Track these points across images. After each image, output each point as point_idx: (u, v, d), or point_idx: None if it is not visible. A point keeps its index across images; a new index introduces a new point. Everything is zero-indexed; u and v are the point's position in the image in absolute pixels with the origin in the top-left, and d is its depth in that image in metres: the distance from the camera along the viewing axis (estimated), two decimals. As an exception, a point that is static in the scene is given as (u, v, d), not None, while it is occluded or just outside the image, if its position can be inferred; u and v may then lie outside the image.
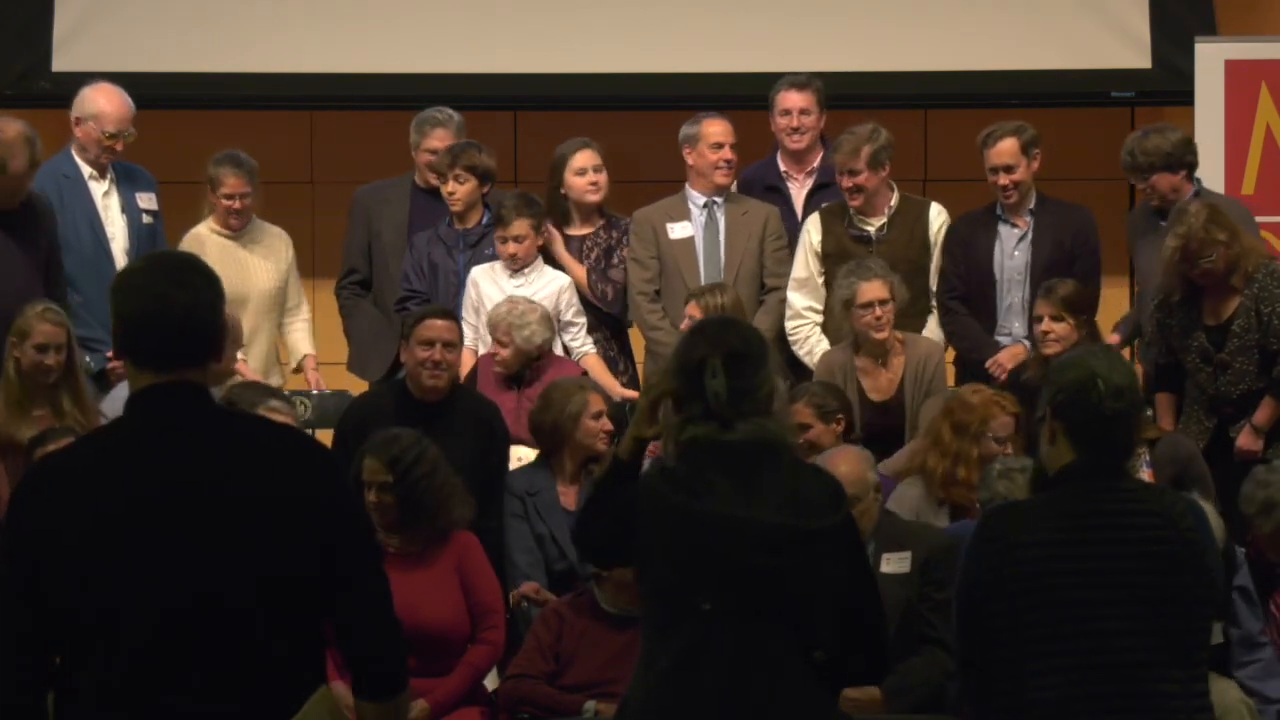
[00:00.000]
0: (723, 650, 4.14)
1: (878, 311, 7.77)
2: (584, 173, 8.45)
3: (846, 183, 8.22)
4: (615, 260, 8.47)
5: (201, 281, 3.66)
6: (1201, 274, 7.50)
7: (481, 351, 8.21)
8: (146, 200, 8.25)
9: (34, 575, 3.53)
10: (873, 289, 7.77)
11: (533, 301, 8.01)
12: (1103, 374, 4.29)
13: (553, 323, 8.05)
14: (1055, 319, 7.66)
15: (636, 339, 8.62)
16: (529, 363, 7.94)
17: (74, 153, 8.16)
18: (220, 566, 3.52)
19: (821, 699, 4.23)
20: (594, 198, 8.46)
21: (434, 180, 8.56)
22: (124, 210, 8.16)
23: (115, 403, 7.35)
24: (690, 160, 8.47)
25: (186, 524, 3.52)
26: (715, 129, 8.44)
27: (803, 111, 8.51)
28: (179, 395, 3.61)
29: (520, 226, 8.22)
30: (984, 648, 4.24)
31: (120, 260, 8.05)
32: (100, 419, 7.17)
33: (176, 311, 3.60)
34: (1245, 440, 7.46)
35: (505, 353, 7.90)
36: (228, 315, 3.90)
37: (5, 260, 7.68)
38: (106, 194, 8.16)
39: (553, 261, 8.39)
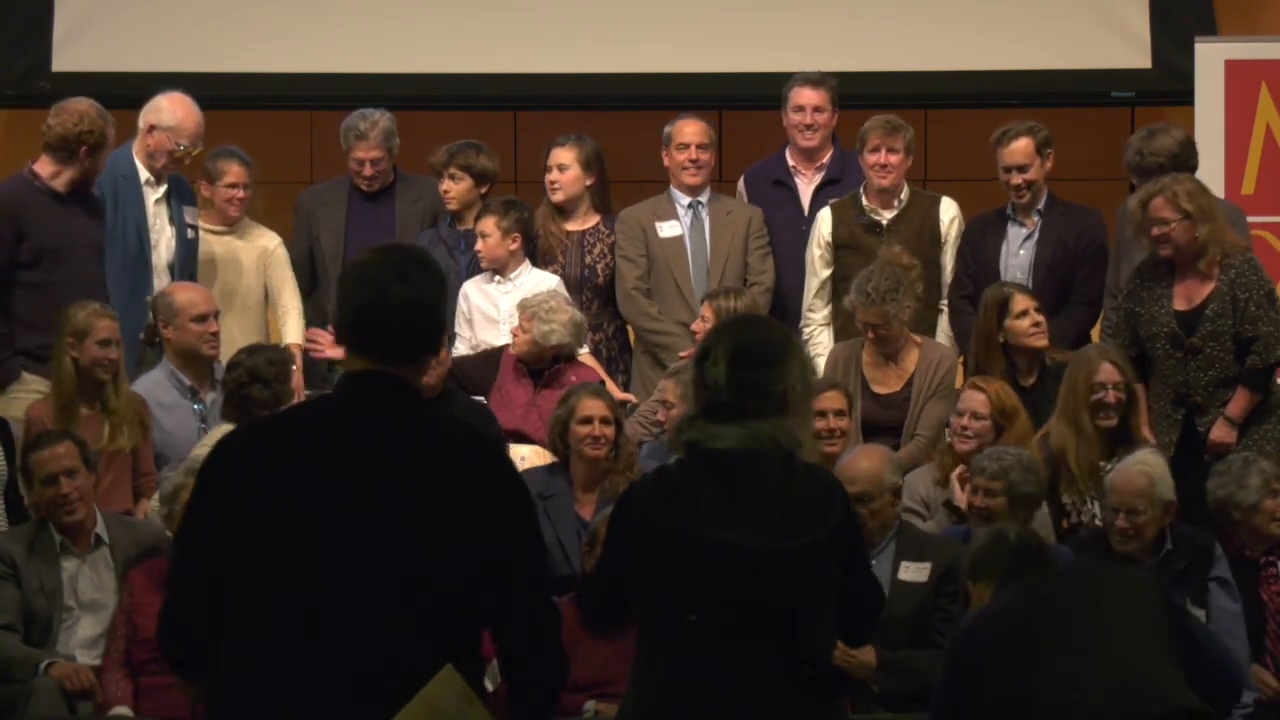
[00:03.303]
0: (710, 663, 4.14)
1: (869, 334, 7.82)
2: (550, 170, 8.48)
3: (882, 159, 8.24)
4: None
5: (425, 277, 3.63)
6: (1158, 239, 7.46)
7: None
8: (190, 215, 8.22)
9: (209, 533, 3.58)
10: (865, 314, 7.80)
11: (571, 305, 8.01)
12: (1008, 528, 5.34)
13: (582, 332, 8.03)
14: (1039, 310, 7.72)
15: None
16: (545, 359, 7.93)
17: (135, 155, 8.11)
18: (372, 560, 3.49)
19: (814, 709, 4.23)
20: (553, 196, 8.48)
21: (365, 186, 8.60)
22: (172, 221, 8.13)
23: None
24: (666, 161, 8.51)
25: (348, 512, 3.50)
26: (683, 130, 8.50)
27: (816, 109, 8.54)
28: (382, 385, 3.59)
29: (485, 224, 8.24)
30: None
31: (160, 270, 8.03)
32: (148, 410, 7.36)
33: (392, 305, 3.59)
34: (1219, 433, 7.41)
35: (523, 338, 7.90)
36: None
37: (89, 245, 7.71)
38: (158, 202, 8.11)
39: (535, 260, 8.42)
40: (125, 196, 8.01)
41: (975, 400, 7.27)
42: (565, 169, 8.48)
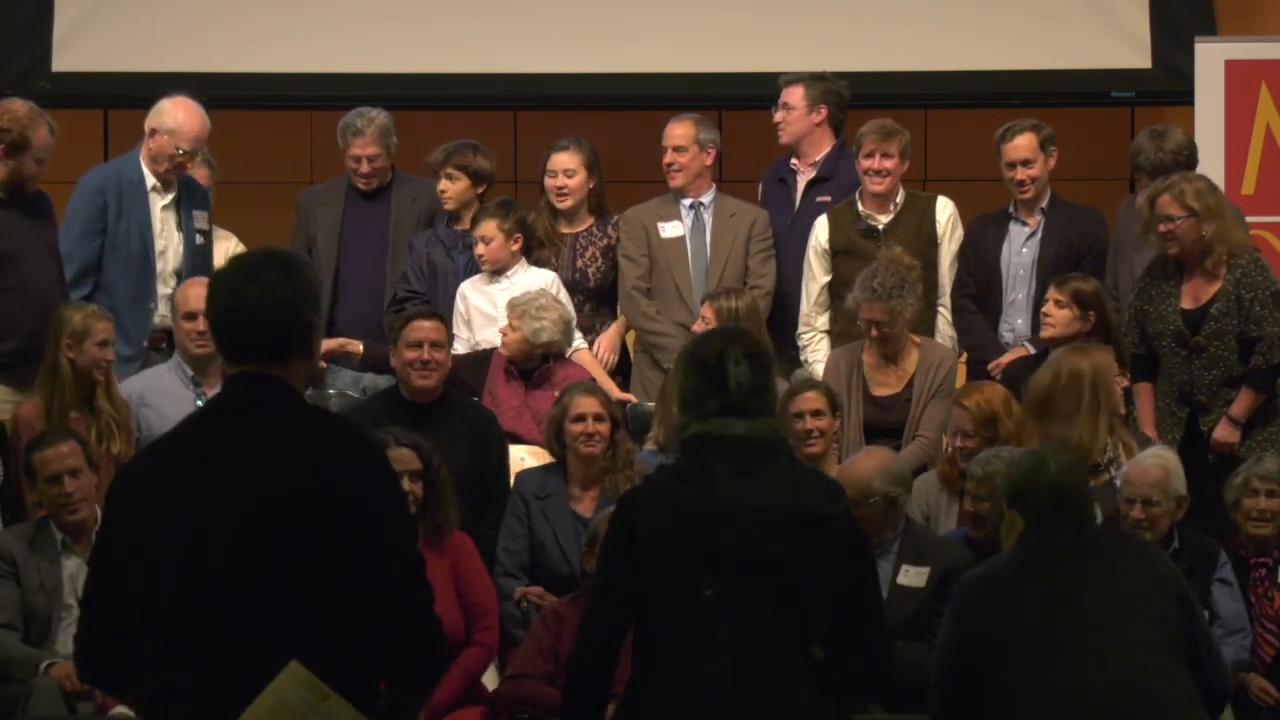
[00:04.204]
0: (725, 640, 4.14)
1: (873, 332, 7.81)
2: (554, 175, 8.46)
3: (876, 164, 8.24)
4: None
5: (279, 278, 3.74)
6: (1165, 237, 7.48)
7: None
8: (200, 219, 8.18)
9: (108, 547, 3.78)
10: (871, 310, 7.79)
11: (560, 301, 8.01)
12: (1053, 457, 4.96)
13: (571, 330, 8.03)
14: (1059, 305, 7.70)
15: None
16: (535, 359, 7.92)
17: (141, 160, 8.08)
18: (239, 557, 3.61)
19: (820, 697, 4.23)
20: (560, 203, 8.45)
21: (363, 185, 8.59)
22: (180, 227, 8.09)
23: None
24: None
25: (219, 508, 3.63)
26: (667, 132, 8.51)
27: (784, 105, 8.57)
28: (250, 385, 3.73)
29: (486, 228, 8.22)
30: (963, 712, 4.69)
31: (166, 276, 8.01)
32: (130, 412, 7.37)
33: (248, 308, 3.71)
34: (1222, 433, 7.43)
35: (512, 336, 7.89)
36: None
37: (38, 246, 7.70)
38: (166, 208, 8.07)
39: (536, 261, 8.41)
40: (129, 202, 7.99)
41: (961, 418, 7.26)
42: (573, 174, 8.45)
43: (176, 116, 8.05)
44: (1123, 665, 4.65)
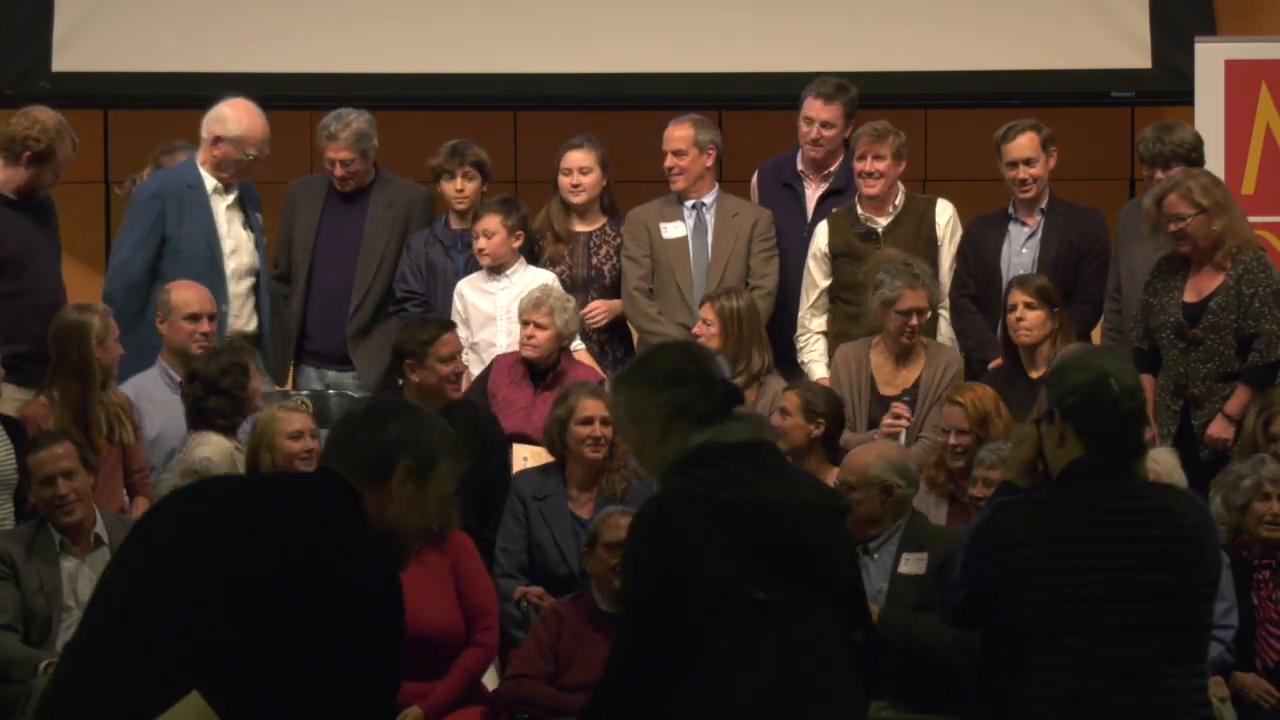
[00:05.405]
0: (775, 643, 4.08)
1: (914, 320, 7.82)
2: (569, 173, 8.47)
3: (869, 166, 8.22)
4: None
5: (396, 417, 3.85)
6: (1175, 234, 7.49)
7: (470, 360, 8.18)
8: (258, 221, 8.21)
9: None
10: (915, 297, 7.79)
11: (564, 290, 8.04)
12: (1114, 374, 4.36)
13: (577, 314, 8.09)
14: (1030, 306, 7.69)
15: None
16: (555, 357, 7.92)
17: (200, 166, 8.08)
18: (205, 634, 3.52)
19: (861, 692, 4.25)
20: (575, 199, 8.47)
21: (339, 186, 8.60)
22: (247, 226, 8.10)
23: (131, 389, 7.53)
24: None
25: (209, 574, 3.57)
26: (665, 135, 8.49)
27: (824, 124, 8.49)
28: (314, 479, 3.82)
29: (490, 222, 8.22)
30: (970, 618, 4.36)
31: (240, 275, 8.02)
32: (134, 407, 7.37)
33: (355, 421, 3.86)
34: (1217, 429, 7.43)
35: (543, 335, 7.86)
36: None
37: (48, 249, 7.75)
38: (230, 208, 8.08)
39: (535, 261, 8.41)
40: (190, 205, 7.99)
41: (956, 416, 7.27)
42: (588, 171, 8.47)
43: (241, 122, 8.06)
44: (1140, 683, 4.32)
